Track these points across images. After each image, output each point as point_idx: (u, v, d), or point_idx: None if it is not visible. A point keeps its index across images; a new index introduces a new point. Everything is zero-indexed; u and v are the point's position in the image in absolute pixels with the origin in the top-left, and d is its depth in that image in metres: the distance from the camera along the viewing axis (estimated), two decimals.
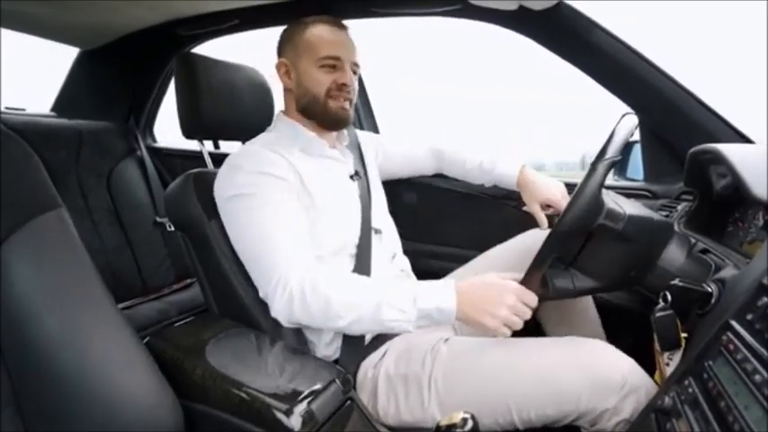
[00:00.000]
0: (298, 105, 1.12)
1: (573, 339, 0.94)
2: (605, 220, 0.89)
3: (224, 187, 1.01)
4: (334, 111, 1.10)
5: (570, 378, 0.85)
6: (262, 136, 1.14)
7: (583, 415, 0.84)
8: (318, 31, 1.10)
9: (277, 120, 1.17)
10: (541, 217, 1.21)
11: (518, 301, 0.88)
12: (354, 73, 1.13)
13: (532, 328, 1.23)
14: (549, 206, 1.23)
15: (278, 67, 1.14)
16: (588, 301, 1.24)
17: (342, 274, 1.00)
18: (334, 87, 1.09)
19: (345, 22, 1.14)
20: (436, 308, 0.89)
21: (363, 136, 1.33)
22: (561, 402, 0.85)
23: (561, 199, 1.21)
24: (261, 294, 0.97)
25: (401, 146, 1.43)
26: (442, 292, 0.90)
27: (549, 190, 1.22)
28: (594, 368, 0.85)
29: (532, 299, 0.90)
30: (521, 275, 0.91)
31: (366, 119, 1.90)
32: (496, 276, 0.93)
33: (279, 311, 0.93)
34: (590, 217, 0.88)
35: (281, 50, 1.15)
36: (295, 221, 0.98)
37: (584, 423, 0.86)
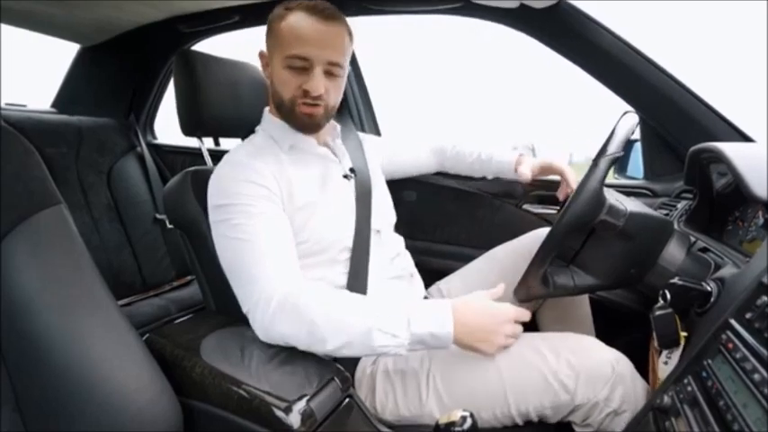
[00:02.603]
0: (274, 103, 1.05)
1: (565, 335, 0.96)
2: (607, 216, 0.89)
3: (209, 196, 0.98)
4: (299, 117, 1.01)
5: (565, 371, 0.87)
6: (249, 140, 1.10)
7: (576, 408, 0.86)
8: (294, 22, 0.95)
9: (264, 119, 1.11)
10: (525, 176, 1.26)
11: (515, 327, 0.89)
12: (332, 75, 0.99)
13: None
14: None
15: (260, 56, 1.05)
16: (583, 299, 1.25)
17: (330, 293, 0.92)
18: (300, 94, 0.98)
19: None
20: (430, 333, 0.84)
21: (365, 138, 1.31)
22: (557, 394, 0.87)
23: (560, 163, 1.25)
24: (243, 310, 0.91)
25: (403, 147, 1.41)
26: (439, 317, 0.85)
27: (544, 159, 1.27)
28: (588, 360, 0.87)
29: (527, 316, 0.91)
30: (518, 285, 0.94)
31: (367, 120, 1.89)
32: (491, 299, 0.91)
33: (261, 329, 0.89)
34: (592, 212, 0.88)
35: (265, 38, 1.03)
36: (279, 234, 0.94)
37: (576, 418, 0.88)
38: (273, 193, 0.97)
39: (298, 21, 0.95)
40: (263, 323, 0.87)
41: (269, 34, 1.01)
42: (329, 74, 0.98)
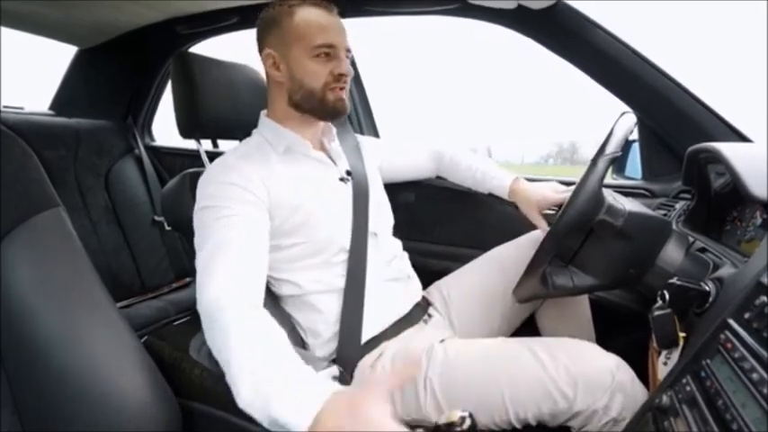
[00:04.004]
0: (290, 100, 1.05)
1: (564, 340, 0.95)
2: (605, 216, 0.90)
3: (197, 196, 0.98)
4: (332, 103, 1.03)
5: (565, 378, 0.86)
6: (243, 143, 1.10)
7: (575, 415, 0.86)
8: (309, 16, 1.01)
9: (260, 122, 1.11)
10: (541, 224, 1.20)
11: None
12: (346, 59, 1.05)
13: (527, 321, 1.24)
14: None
15: (264, 59, 1.05)
16: (583, 299, 1.25)
17: (252, 326, 0.81)
18: (332, 79, 1.02)
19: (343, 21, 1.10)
20: (285, 422, 0.67)
21: (364, 140, 1.31)
22: (556, 401, 0.86)
23: (556, 196, 1.21)
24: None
25: (402, 152, 1.41)
26: (302, 410, 0.66)
27: (541, 194, 1.22)
28: (587, 368, 0.87)
29: None
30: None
31: (366, 123, 1.89)
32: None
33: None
34: (590, 212, 0.88)
35: (264, 40, 1.05)
36: (245, 241, 0.91)
37: (575, 424, 0.88)
38: (259, 198, 0.96)
39: (312, 14, 1.01)
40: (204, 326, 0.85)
41: (275, 34, 1.03)
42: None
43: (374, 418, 0.62)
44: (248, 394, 0.72)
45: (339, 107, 1.05)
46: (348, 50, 1.05)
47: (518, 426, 0.91)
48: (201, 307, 0.84)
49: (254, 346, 0.77)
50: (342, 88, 1.04)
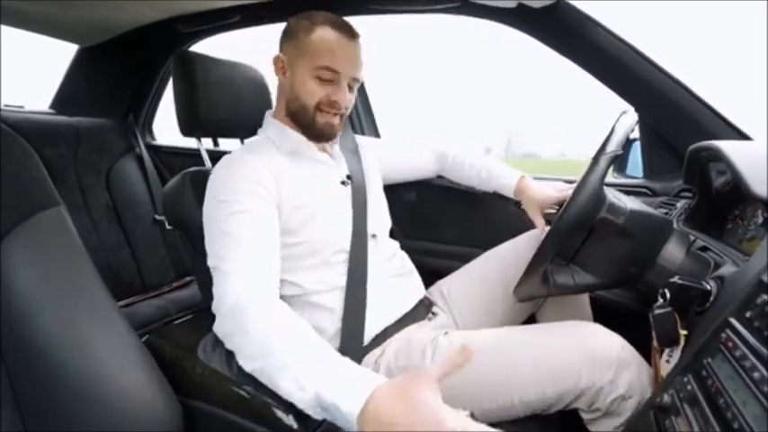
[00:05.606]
0: (288, 108, 1.07)
1: (567, 323, 0.98)
2: (607, 214, 0.90)
3: (207, 190, 0.99)
4: (320, 125, 1.05)
5: (568, 356, 0.87)
6: (250, 141, 1.12)
7: (581, 393, 0.86)
8: (325, 36, 1.01)
9: (265, 122, 1.13)
10: (539, 223, 1.21)
11: None
12: (351, 89, 1.06)
13: (527, 320, 1.24)
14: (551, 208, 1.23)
15: (275, 60, 1.07)
16: (583, 298, 1.25)
17: (286, 317, 0.82)
18: (325, 102, 1.03)
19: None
20: (334, 404, 0.67)
21: (363, 141, 1.31)
22: (560, 381, 0.87)
23: (557, 195, 1.22)
24: (213, 308, 0.89)
25: (402, 150, 1.41)
26: (353, 393, 0.67)
27: (543, 193, 1.23)
28: (590, 345, 0.88)
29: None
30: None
31: (367, 124, 1.89)
32: (436, 407, 0.63)
33: (215, 324, 0.87)
34: (591, 210, 0.88)
35: (282, 44, 1.07)
36: (261, 235, 0.93)
37: (582, 404, 0.88)
38: (269, 191, 0.97)
39: (327, 35, 1.01)
40: (217, 319, 0.87)
41: (291, 42, 1.05)
42: (349, 87, 1.06)
43: (428, 405, 0.63)
44: (292, 384, 0.72)
45: (326, 131, 1.07)
46: (355, 80, 1.06)
47: (524, 412, 0.91)
48: (223, 306, 0.85)
49: (292, 336, 0.78)
50: (335, 114, 1.05)
